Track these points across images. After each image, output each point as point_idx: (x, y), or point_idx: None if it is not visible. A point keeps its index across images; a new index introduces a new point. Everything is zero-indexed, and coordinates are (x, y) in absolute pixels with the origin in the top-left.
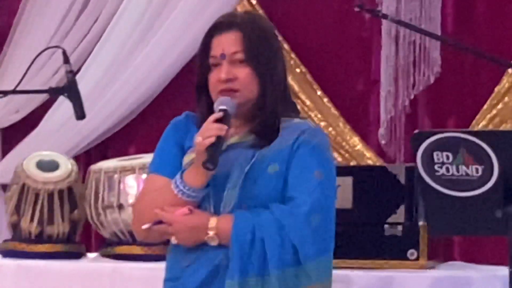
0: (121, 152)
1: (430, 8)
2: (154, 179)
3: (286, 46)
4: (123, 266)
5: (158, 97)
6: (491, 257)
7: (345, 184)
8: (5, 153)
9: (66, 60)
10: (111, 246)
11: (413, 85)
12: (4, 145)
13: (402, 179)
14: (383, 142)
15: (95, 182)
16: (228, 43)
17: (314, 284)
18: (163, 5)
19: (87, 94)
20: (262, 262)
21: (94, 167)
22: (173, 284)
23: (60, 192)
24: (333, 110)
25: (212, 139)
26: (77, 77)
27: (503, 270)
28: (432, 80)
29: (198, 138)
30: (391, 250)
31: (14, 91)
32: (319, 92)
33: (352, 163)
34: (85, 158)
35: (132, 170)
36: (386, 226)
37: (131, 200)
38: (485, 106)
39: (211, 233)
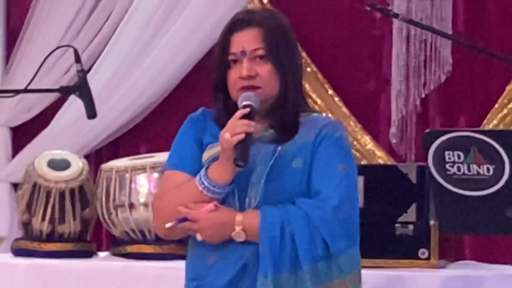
0: (132, 151)
1: (441, 7)
2: (174, 176)
3: None
4: (134, 265)
5: (169, 96)
6: (502, 256)
7: None
8: (16, 151)
9: (78, 59)
10: (122, 245)
11: (424, 84)
12: (15, 143)
13: (413, 178)
14: (394, 141)
15: (106, 181)
16: (248, 40)
17: (346, 276)
18: (174, 5)
19: (98, 93)
20: (294, 258)
21: (105, 166)
22: (198, 283)
23: (72, 191)
24: (344, 109)
25: (241, 136)
26: (88, 76)
27: None
28: (443, 79)
29: (226, 135)
30: (402, 249)
31: (25, 90)
32: (330, 91)
33: (363, 162)
34: (96, 157)
35: (143, 169)
36: (397, 225)
37: (142, 199)
38: (496, 105)
39: (237, 228)
